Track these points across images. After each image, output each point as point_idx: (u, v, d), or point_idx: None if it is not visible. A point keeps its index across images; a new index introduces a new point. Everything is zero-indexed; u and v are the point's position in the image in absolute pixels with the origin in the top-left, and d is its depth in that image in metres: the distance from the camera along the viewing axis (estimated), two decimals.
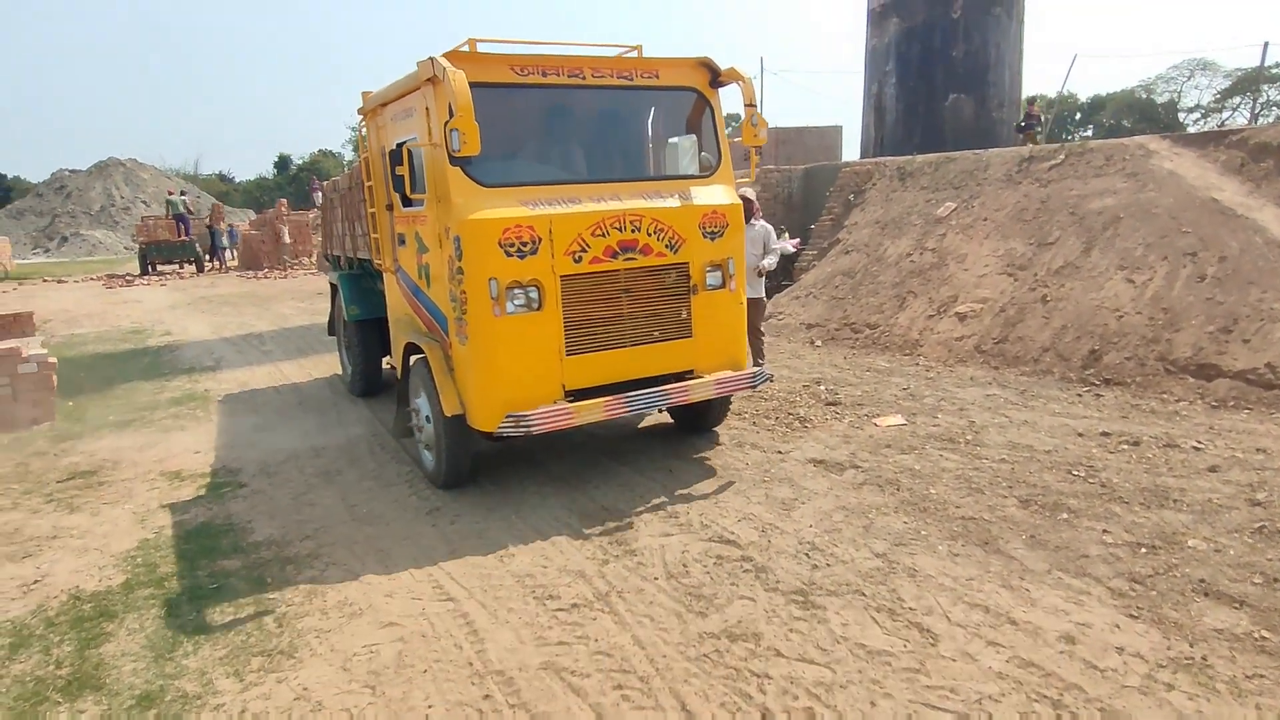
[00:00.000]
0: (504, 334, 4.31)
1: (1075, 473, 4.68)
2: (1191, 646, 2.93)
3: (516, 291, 4.30)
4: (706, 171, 5.15)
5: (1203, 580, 3.38)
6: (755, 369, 5.05)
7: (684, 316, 4.83)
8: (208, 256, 25.93)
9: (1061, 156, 9.57)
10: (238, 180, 69.99)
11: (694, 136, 5.26)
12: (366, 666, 3.02)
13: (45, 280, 23.76)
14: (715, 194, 5.02)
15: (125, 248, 39.54)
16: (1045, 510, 4.17)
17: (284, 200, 28.85)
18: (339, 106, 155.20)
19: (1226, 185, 7.93)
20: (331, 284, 8.03)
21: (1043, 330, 7.65)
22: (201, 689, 2.91)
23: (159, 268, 25.19)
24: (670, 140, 5.43)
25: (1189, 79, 51.18)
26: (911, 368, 7.85)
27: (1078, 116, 63.27)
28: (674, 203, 4.78)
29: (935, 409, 6.22)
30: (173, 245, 25.53)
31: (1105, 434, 5.37)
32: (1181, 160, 8.56)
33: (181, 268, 25.38)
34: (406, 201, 4.79)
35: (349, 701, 2.81)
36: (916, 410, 6.20)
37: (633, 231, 4.58)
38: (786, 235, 11.54)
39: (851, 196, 11.71)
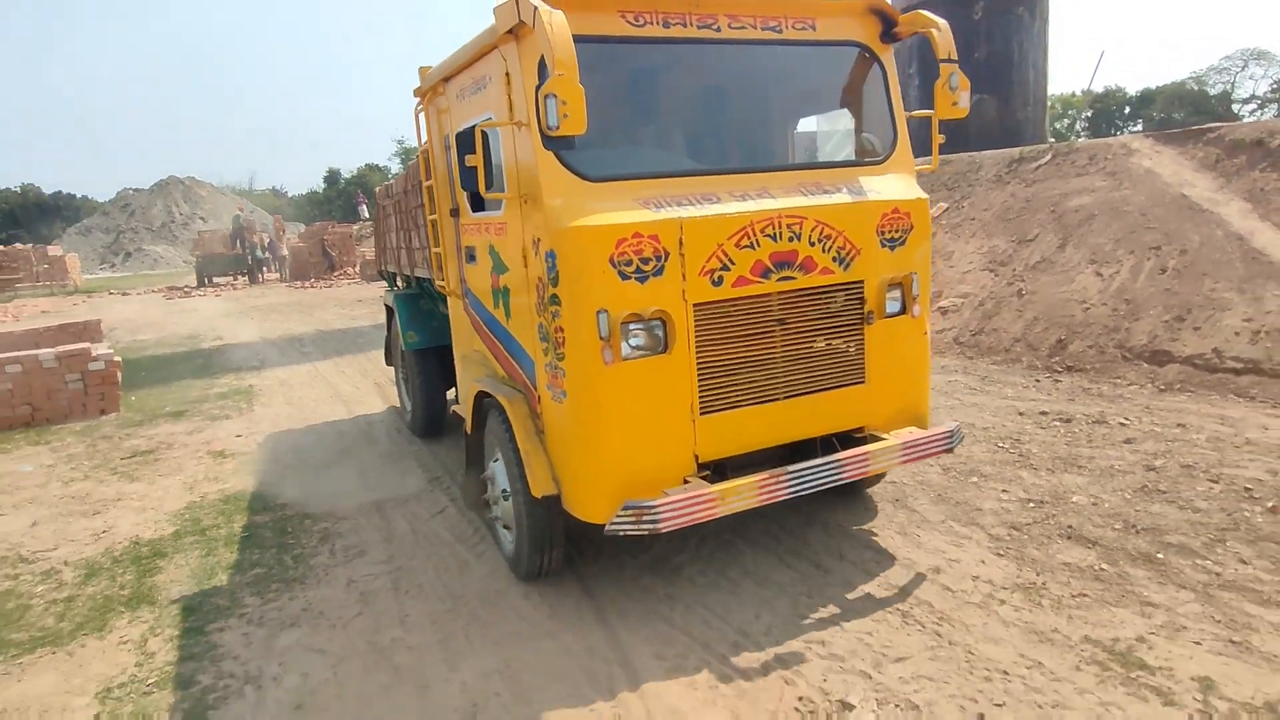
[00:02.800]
0: (619, 388, 3.17)
1: (1001, 445, 5.20)
2: (1037, 575, 3.49)
3: (635, 328, 3.17)
4: (876, 156, 3.90)
5: (1070, 527, 3.91)
6: (950, 426, 3.71)
7: (856, 355, 3.64)
8: (265, 269, 27.46)
9: (1049, 156, 9.97)
10: (290, 195, 72.78)
11: (846, 110, 4.14)
12: (361, 588, 3.75)
13: (111, 293, 25.49)
14: (895, 186, 3.75)
15: (184, 261, 41.58)
16: (960, 475, 4.72)
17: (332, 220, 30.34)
18: (386, 121, 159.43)
19: (1199, 181, 8.28)
20: (387, 306, 6.79)
21: (1016, 322, 8.10)
22: (230, 603, 3.67)
23: (214, 279, 26.75)
24: (818, 117, 4.38)
25: (1243, 69, 49.87)
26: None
27: (1126, 110, 62.06)
28: (844, 199, 3.56)
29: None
30: (227, 258, 27.11)
31: (1044, 413, 5.86)
32: (1160, 158, 8.91)
33: (235, 280, 26.88)
34: (478, 204, 3.80)
35: (344, 612, 3.54)
36: None
37: (791, 240, 3.40)
38: None
39: None
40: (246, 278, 26.76)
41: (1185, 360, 6.60)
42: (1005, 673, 2.80)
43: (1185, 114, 53.36)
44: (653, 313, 3.15)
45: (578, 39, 2.97)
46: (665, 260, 3.16)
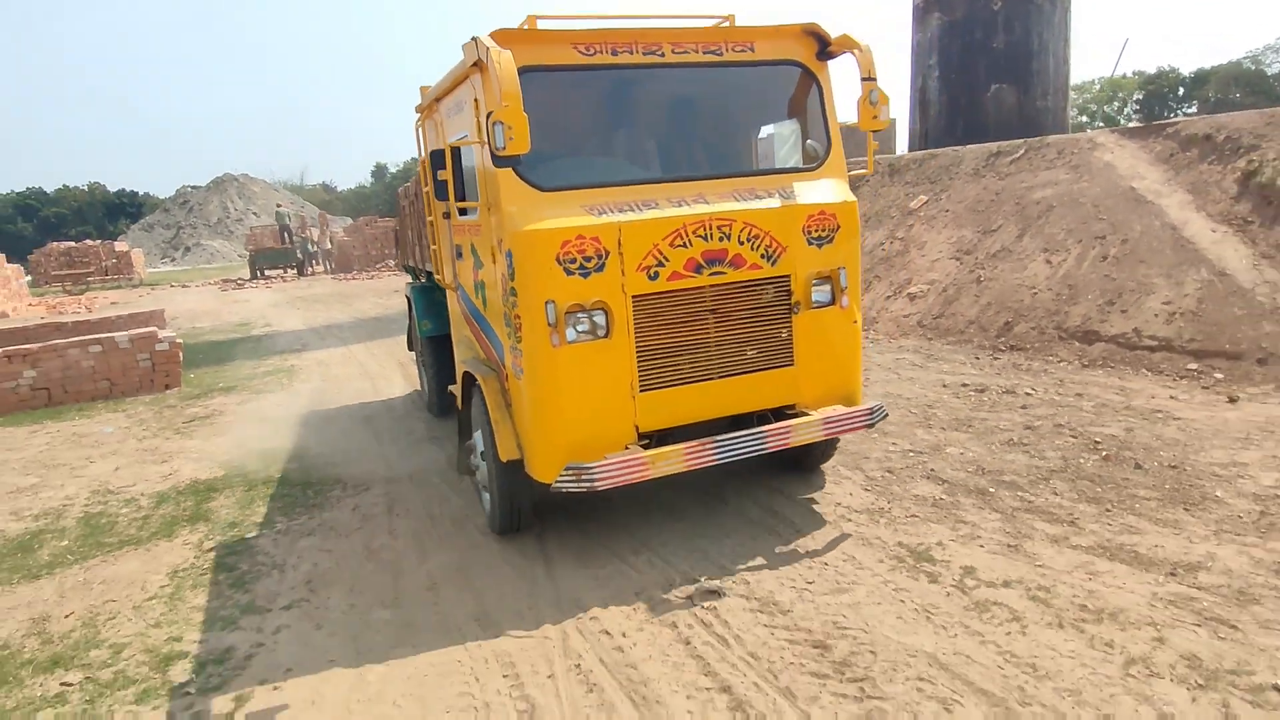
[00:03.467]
0: (564, 367, 3.70)
1: (913, 410, 6.04)
2: (888, 504, 4.37)
3: (579, 316, 3.68)
4: (812, 163, 4.34)
5: (933, 470, 4.78)
6: (873, 404, 4.18)
7: (784, 340, 4.10)
8: (313, 262, 29.14)
9: (1022, 151, 10.60)
10: (339, 189, 75.24)
11: (795, 122, 4.53)
12: (364, 512, 4.81)
13: (172, 286, 27.39)
14: (824, 190, 4.20)
15: (239, 255, 43.78)
16: (866, 433, 5.58)
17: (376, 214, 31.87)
18: None
19: (1150, 174, 8.88)
20: (406, 298, 7.43)
21: (972, 306, 8.85)
22: (264, 521, 4.77)
23: (265, 272, 28.47)
24: (767, 127, 4.78)
25: None
26: (870, 340, 9.18)
27: (1180, 92, 60.59)
28: (773, 203, 4.03)
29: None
30: (277, 252, 28.83)
31: (965, 385, 6.66)
32: (1122, 152, 9.50)
33: (285, 272, 28.57)
34: (463, 209, 4.25)
35: (348, 526, 4.60)
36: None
37: (721, 240, 3.87)
38: None
39: None
40: (295, 270, 28.41)
41: (1110, 339, 7.31)
42: (825, 564, 3.72)
43: (1242, 94, 52.02)
44: (593, 303, 3.67)
45: (535, 69, 3.61)
46: (606, 258, 3.66)
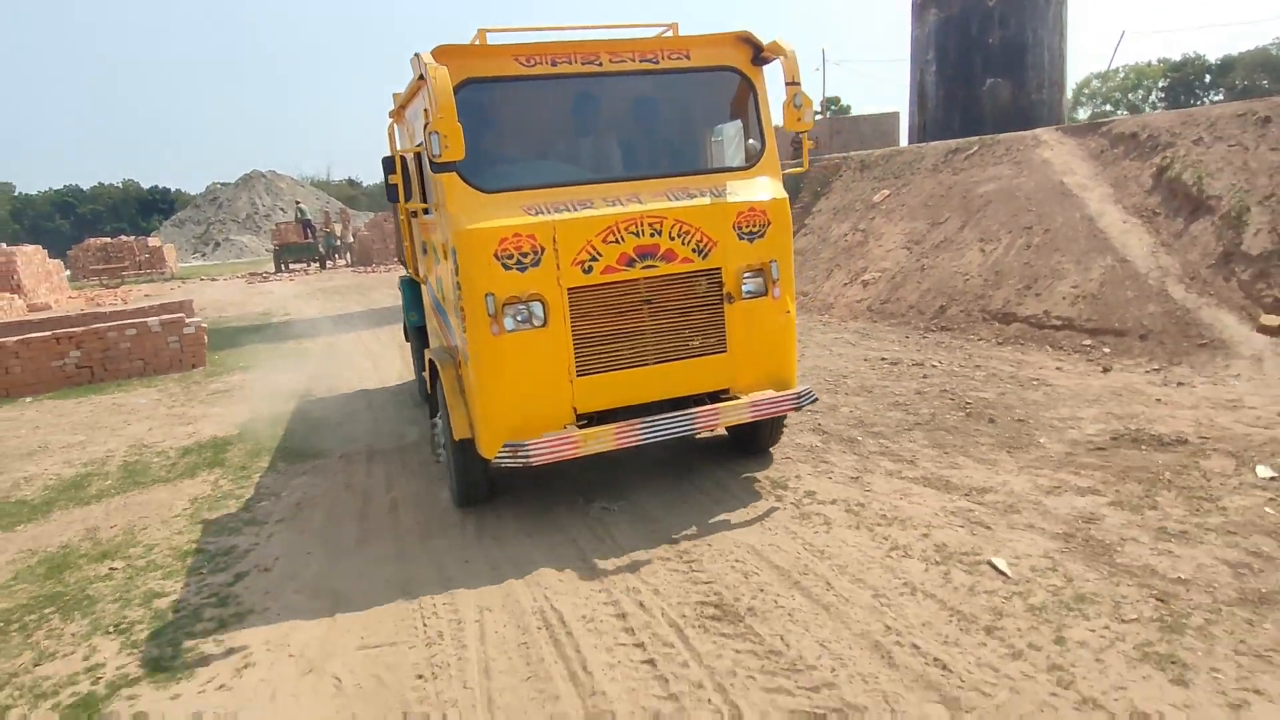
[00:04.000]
0: (503, 354, 4.00)
1: (828, 380, 6.94)
2: (774, 450, 5.29)
3: (517, 307, 3.97)
4: (749, 162, 4.61)
5: (820, 425, 5.68)
6: (801, 389, 4.47)
7: (717, 329, 4.36)
8: (336, 256, 30.47)
9: (975, 148, 11.37)
10: (364, 185, 76.96)
11: (739, 123, 4.77)
12: (348, 459, 5.83)
13: (202, 279, 28.83)
14: (756, 188, 4.46)
15: (266, 250, 45.38)
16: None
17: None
18: None
19: (1080, 170, 9.64)
20: (400, 289, 7.58)
21: (914, 292, 9.68)
22: (267, 464, 5.81)
23: (290, 266, 29.82)
24: (717, 128, 4.98)
25: None
26: (816, 322, 10.06)
27: (1206, 79, 60.20)
28: (704, 200, 4.28)
29: (804, 345, 8.49)
30: (300, 246, 30.17)
31: (883, 359, 7.54)
32: (1061, 149, 10.25)
33: (309, 266, 29.90)
34: (426, 209, 4.56)
35: (334, 468, 5.63)
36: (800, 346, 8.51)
37: (652, 236, 4.12)
38: None
39: (819, 187, 13.80)
40: (318, 264, 29.72)
41: (1024, 319, 8.13)
42: (700, 490, 4.66)
43: (1270, 80, 51.63)
44: (530, 295, 3.95)
45: (478, 80, 3.95)
46: (541, 254, 3.94)
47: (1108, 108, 61.24)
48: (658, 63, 4.40)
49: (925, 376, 6.80)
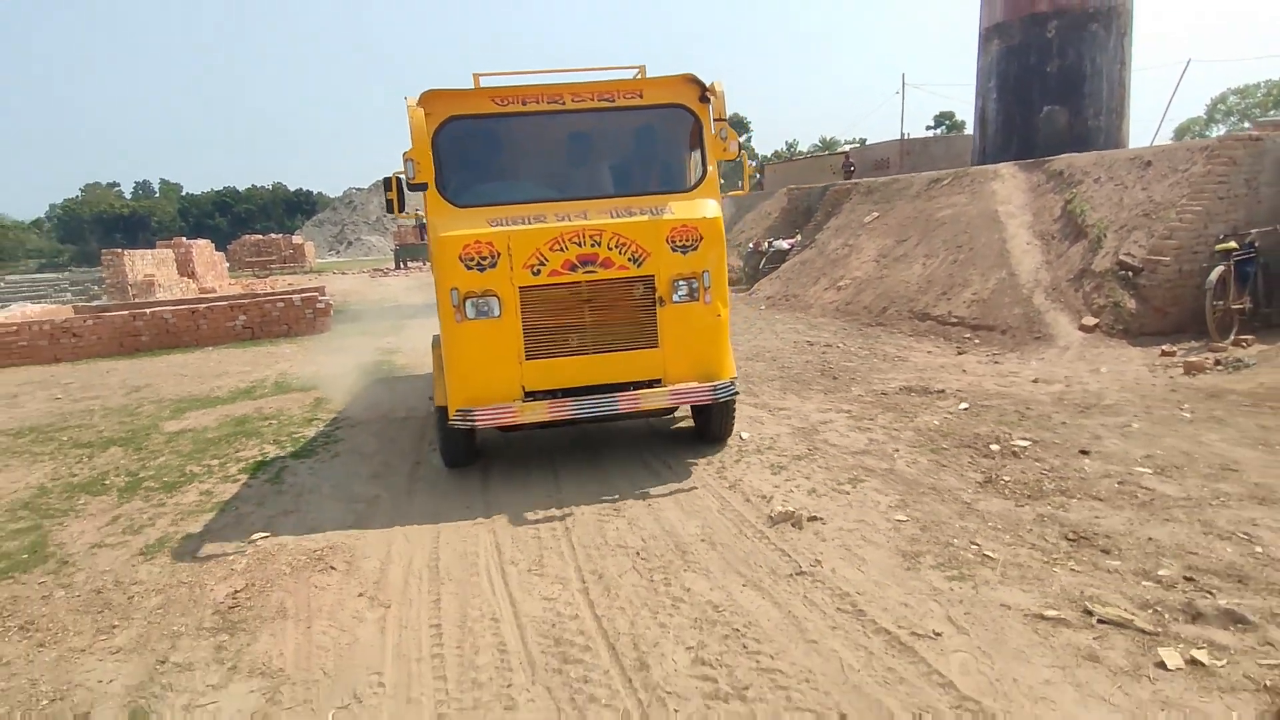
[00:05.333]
0: (464, 338, 4.75)
1: (766, 356, 9.42)
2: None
3: (477, 300, 4.70)
4: (691, 186, 5.27)
5: (764, 375, 8.25)
6: (720, 383, 5.04)
7: (650, 328, 4.93)
8: None
9: (949, 179, 13.44)
10: None
11: (687, 151, 5.39)
12: (409, 377, 8.87)
13: (334, 273, 33.60)
14: (692, 208, 5.03)
15: (390, 250, 50.77)
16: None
17: None
18: None
19: (1015, 200, 11.64)
20: None
21: (870, 295, 11.94)
22: (361, 388, 8.91)
23: (408, 263, 34.18)
24: (673, 156, 5.58)
25: None
26: (791, 317, 12.47)
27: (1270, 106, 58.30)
28: (641, 217, 4.87)
29: (762, 332, 11.00)
30: (417, 246, 34.52)
31: (809, 343, 9.95)
32: (1011, 182, 12.22)
33: (424, 264, 34.17)
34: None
35: (396, 381, 8.66)
36: (759, 332, 11.01)
37: (592, 246, 4.75)
38: (785, 237, 16.27)
39: (831, 208, 16.06)
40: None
41: (934, 318, 10.33)
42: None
43: None
44: (485, 291, 4.70)
45: (459, 117, 4.85)
46: (498, 258, 4.69)
47: (1245, 125, 58.84)
48: (614, 101, 5.17)
49: (823, 353, 9.21)
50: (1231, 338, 7.75)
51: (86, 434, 7.40)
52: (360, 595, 3.75)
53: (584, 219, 4.85)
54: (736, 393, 5.26)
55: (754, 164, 45.08)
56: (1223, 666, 2.75)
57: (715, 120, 5.15)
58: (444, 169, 4.98)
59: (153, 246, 26.03)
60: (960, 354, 8.79)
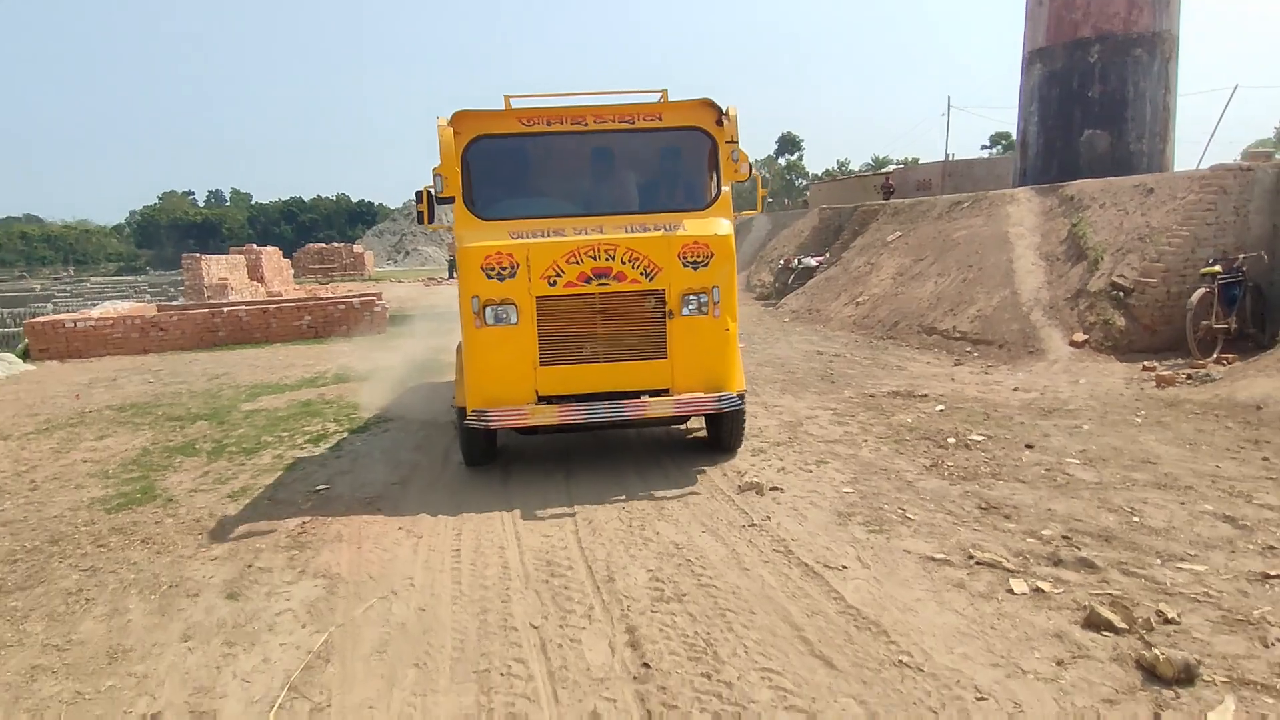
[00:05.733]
0: (483, 343, 5.00)
1: (776, 363, 10.22)
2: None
3: (496, 308, 4.94)
4: (706, 204, 5.46)
5: (769, 379, 9.09)
6: (725, 394, 5.18)
7: (659, 339, 5.11)
8: None
9: (969, 201, 14.05)
10: None
11: (712, 172, 5.55)
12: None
13: (390, 281, 35.36)
14: (704, 226, 5.22)
15: (445, 260, 52.72)
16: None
17: None
18: None
19: (1027, 222, 12.22)
20: None
21: (885, 310, 12.63)
22: (407, 379, 10.00)
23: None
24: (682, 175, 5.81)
25: None
26: (814, 330, 13.21)
27: None
28: (654, 233, 5.06)
29: (779, 342, 11.80)
30: None
31: (819, 352, 10.71)
32: (1026, 205, 12.80)
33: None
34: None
35: (441, 379, 9.73)
36: (775, 343, 11.82)
37: (606, 259, 4.95)
38: (814, 254, 17.03)
39: (858, 227, 16.75)
40: None
41: (940, 332, 10.99)
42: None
43: None
44: (502, 299, 4.95)
45: (488, 136, 5.19)
46: (517, 269, 4.92)
47: None
48: (634, 123, 5.39)
49: (829, 362, 9.97)
50: (1214, 356, 8.28)
51: (177, 410, 8.60)
52: (399, 529, 4.72)
53: (599, 234, 5.08)
54: (741, 404, 5.40)
55: (803, 182, 45.32)
56: (1059, 594, 3.51)
57: (728, 143, 5.38)
58: (470, 184, 5.28)
59: (223, 252, 27.99)
60: (956, 365, 9.46)
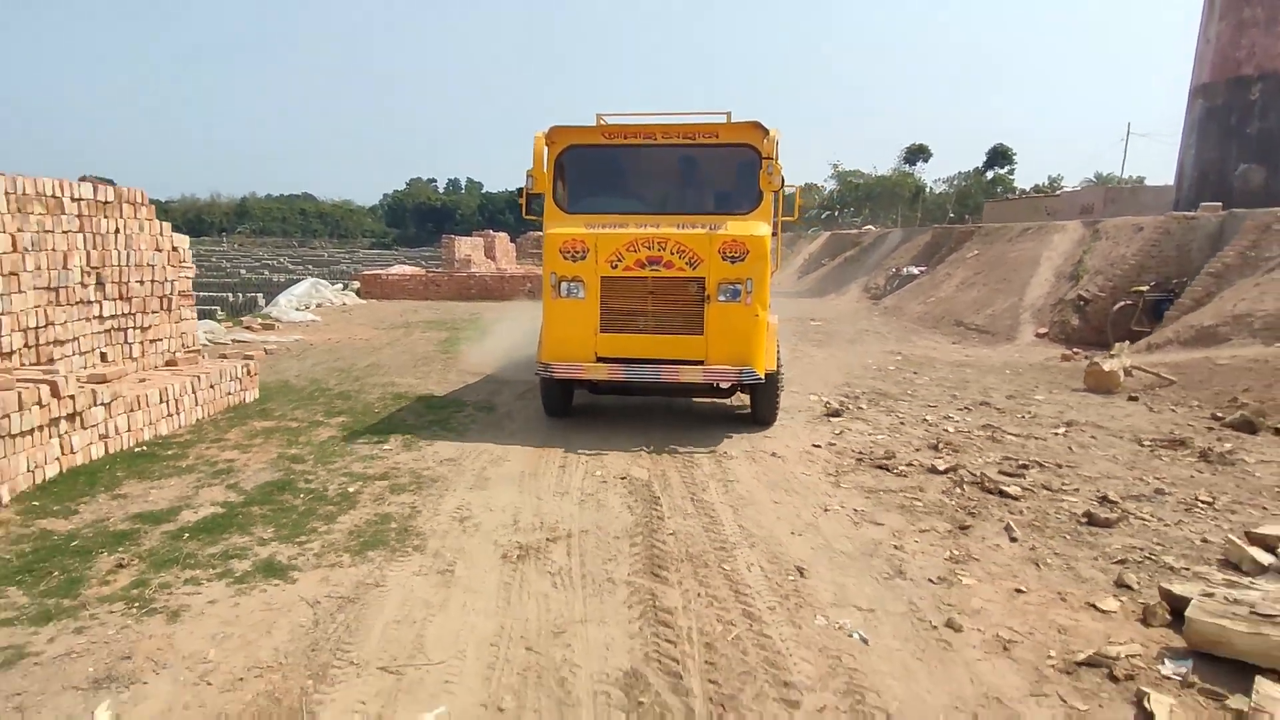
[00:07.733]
0: (557, 311, 6.25)
1: (829, 332, 14.70)
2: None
3: (569, 283, 6.16)
4: (749, 209, 6.34)
5: (813, 340, 13.78)
6: (744, 368, 6.10)
7: (697, 318, 6.11)
8: None
9: (1035, 228, 17.38)
10: None
11: (753, 182, 6.41)
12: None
13: None
14: (744, 227, 6.13)
15: None
16: (802, 350, 14.52)
17: None
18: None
19: (1061, 247, 15.57)
20: None
21: (940, 310, 16.47)
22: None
23: None
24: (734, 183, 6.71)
25: None
26: (886, 321, 17.29)
27: None
28: (700, 231, 6.08)
29: (850, 326, 16.16)
30: None
31: (865, 331, 14.99)
32: (1068, 234, 15.98)
33: None
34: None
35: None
36: (847, 325, 16.20)
37: (659, 250, 6.04)
38: (917, 265, 20.92)
39: (954, 244, 20.29)
40: None
41: (963, 325, 14.86)
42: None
43: None
44: (574, 277, 6.17)
45: (576, 146, 6.51)
46: (587, 253, 6.13)
47: None
48: (694, 139, 6.56)
49: (862, 334, 14.26)
50: (1127, 346, 11.86)
51: (456, 324, 14.73)
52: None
53: (655, 229, 6.17)
54: (761, 379, 6.27)
55: (1010, 196, 46.13)
56: (910, 471, 8.18)
57: (764, 159, 6.33)
58: (558, 184, 6.58)
59: (461, 235, 35.78)
60: (954, 344, 13.48)
